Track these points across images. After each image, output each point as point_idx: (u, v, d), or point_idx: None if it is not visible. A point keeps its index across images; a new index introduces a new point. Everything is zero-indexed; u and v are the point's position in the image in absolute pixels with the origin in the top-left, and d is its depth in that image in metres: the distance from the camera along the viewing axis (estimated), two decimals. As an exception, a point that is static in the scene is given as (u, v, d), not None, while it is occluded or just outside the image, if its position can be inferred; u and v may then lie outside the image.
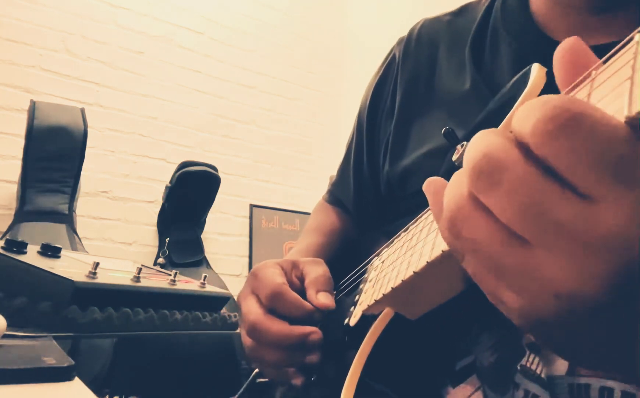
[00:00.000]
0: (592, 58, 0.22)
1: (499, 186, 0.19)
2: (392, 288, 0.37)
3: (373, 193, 0.65)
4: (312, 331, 0.46)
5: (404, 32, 0.67)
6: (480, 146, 0.20)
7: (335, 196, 0.73)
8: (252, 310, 0.49)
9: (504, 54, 0.51)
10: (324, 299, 0.48)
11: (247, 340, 0.50)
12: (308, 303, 0.48)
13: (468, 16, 0.59)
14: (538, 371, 0.34)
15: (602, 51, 0.44)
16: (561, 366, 0.33)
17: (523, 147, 0.19)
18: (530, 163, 0.19)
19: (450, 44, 0.59)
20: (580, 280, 0.18)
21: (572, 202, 0.18)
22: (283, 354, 0.47)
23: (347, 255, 0.65)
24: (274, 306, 0.48)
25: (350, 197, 0.69)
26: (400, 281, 0.36)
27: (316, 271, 0.51)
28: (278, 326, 0.47)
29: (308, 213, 0.85)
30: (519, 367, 0.35)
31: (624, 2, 0.44)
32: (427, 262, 0.32)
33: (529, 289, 0.20)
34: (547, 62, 0.41)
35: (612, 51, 0.21)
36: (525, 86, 0.36)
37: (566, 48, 0.22)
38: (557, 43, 0.49)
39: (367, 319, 0.44)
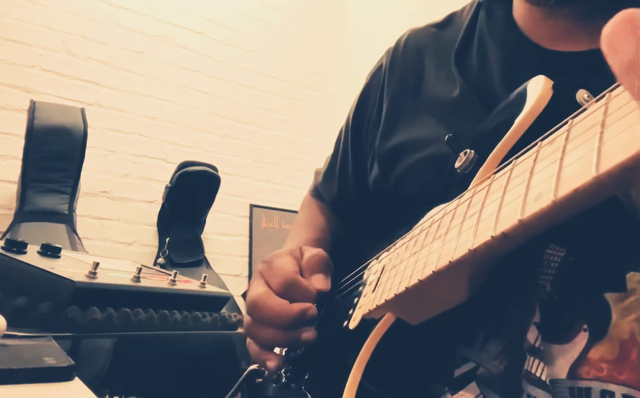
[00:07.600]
0: None
1: None
2: (395, 294, 0.37)
3: (357, 198, 0.67)
4: (309, 306, 0.47)
5: (404, 32, 0.67)
6: None
7: (320, 194, 0.75)
8: (257, 290, 0.50)
9: (492, 62, 0.52)
10: (317, 283, 0.50)
11: (246, 319, 0.51)
12: (313, 290, 0.49)
13: (453, 26, 0.61)
14: (539, 375, 0.33)
15: (585, 57, 0.44)
16: (562, 370, 0.33)
17: None
18: None
19: (436, 53, 0.60)
20: None
21: None
22: (278, 332, 0.47)
23: (338, 253, 0.65)
24: (288, 294, 0.48)
25: (334, 199, 0.71)
26: (404, 288, 0.36)
27: (310, 251, 0.53)
28: (278, 303, 0.47)
29: (308, 213, 0.86)
30: (522, 372, 0.35)
31: (605, 10, 0.44)
32: (433, 271, 0.32)
33: None
34: (534, 68, 0.41)
35: None
36: (525, 98, 0.36)
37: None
38: (542, 49, 0.49)
39: (366, 323, 0.44)
